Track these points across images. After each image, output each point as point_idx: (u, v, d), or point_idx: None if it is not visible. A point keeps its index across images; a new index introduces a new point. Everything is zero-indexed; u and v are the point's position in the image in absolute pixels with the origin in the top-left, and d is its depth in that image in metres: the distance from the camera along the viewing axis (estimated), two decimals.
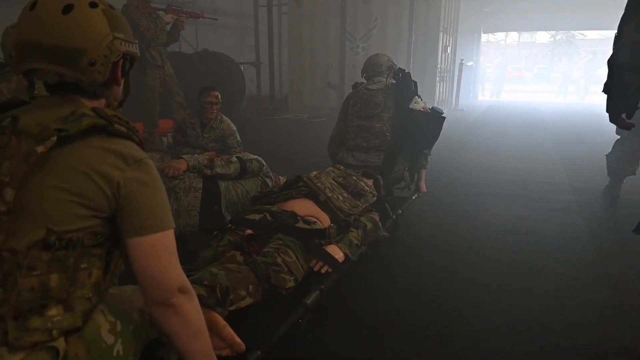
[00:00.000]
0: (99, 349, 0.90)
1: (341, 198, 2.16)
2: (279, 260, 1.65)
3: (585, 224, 2.95)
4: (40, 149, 0.82)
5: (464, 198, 3.55)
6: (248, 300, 1.49)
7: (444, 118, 2.80)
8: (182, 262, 1.64)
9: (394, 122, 2.79)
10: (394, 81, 2.88)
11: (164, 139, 4.78)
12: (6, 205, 0.82)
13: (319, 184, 2.16)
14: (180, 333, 0.97)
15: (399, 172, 2.84)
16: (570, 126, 7.94)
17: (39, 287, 0.83)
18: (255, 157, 2.85)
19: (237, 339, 1.26)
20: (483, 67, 16.71)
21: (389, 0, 8.01)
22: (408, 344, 1.67)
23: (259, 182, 2.83)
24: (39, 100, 0.95)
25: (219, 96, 3.03)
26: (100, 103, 0.98)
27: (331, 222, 2.05)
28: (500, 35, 25.80)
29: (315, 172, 2.28)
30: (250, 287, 1.51)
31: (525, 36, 28.08)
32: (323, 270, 1.78)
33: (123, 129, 0.92)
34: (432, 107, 2.83)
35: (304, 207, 2.03)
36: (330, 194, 2.13)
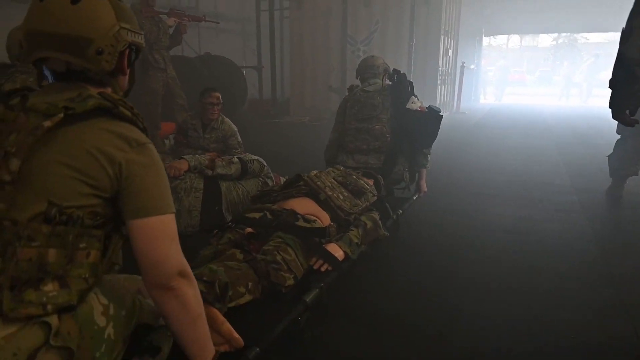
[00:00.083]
0: (91, 331, 0.90)
1: (341, 197, 2.16)
2: (278, 258, 1.66)
3: (588, 224, 2.94)
4: (47, 123, 0.85)
5: (464, 198, 3.54)
6: (247, 297, 1.49)
7: (442, 116, 2.80)
8: None
9: (393, 123, 2.79)
10: (389, 82, 2.88)
11: (166, 141, 4.80)
12: (11, 175, 0.84)
13: (319, 183, 2.17)
14: (180, 317, 0.98)
15: (399, 173, 2.84)
16: (573, 128, 7.92)
17: (37, 259, 0.84)
18: (256, 157, 2.86)
19: (236, 335, 1.26)
20: (485, 70, 16.73)
21: (390, 3, 8.04)
22: (408, 343, 1.66)
23: (260, 183, 2.84)
24: (47, 86, 0.98)
25: (220, 97, 3.05)
26: (107, 91, 1.00)
27: (331, 221, 2.05)
28: (502, 39, 25.82)
29: (315, 171, 2.29)
30: (250, 284, 1.51)
31: (528, 40, 28.08)
32: (323, 269, 1.79)
33: (128, 113, 0.95)
34: (429, 106, 2.83)
35: (304, 205, 2.03)
36: (330, 193, 2.14)
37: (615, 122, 3.49)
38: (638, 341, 1.69)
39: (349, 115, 2.91)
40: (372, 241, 2.13)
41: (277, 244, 1.73)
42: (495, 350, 1.62)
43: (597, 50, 18.90)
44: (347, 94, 3.05)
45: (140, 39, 1.02)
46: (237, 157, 2.77)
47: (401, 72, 2.86)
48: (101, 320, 0.92)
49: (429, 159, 2.93)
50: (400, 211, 2.66)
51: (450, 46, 9.19)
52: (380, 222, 2.20)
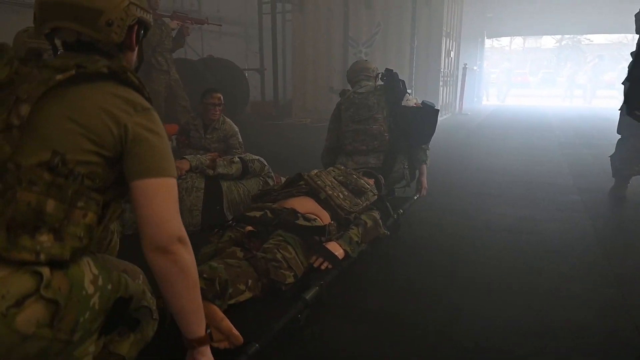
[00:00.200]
0: (79, 295, 0.90)
1: (342, 196, 2.17)
2: (278, 256, 1.67)
3: (590, 224, 2.93)
4: (59, 76, 0.89)
5: (465, 198, 3.54)
6: (247, 295, 1.50)
7: (438, 110, 2.81)
8: None
9: (389, 121, 2.80)
10: (382, 82, 2.89)
11: (169, 142, 4.83)
12: (19, 120, 0.86)
13: (319, 182, 2.17)
14: (178, 284, 0.98)
15: (399, 171, 2.84)
16: (576, 129, 7.89)
17: (36, 205, 0.85)
18: (257, 157, 2.88)
19: (235, 332, 1.27)
20: (487, 72, 16.72)
21: (391, 5, 8.06)
22: (408, 342, 1.65)
23: (261, 182, 2.86)
24: (60, 54, 1.04)
25: (221, 98, 3.08)
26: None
27: (331, 220, 2.06)
28: (505, 41, 25.81)
29: (316, 171, 2.30)
30: (250, 281, 1.52)
31: (530, 41, 28.06)
32: (323, 267, 1.79)
33: (135, 80, 1.00)
34: (423, 101, 2.84)
35: (304, 204, 2.04)
36: (330, 192, 2.14)
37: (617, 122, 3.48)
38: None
39: (345, 118, 2.90)
40: (373, 240, 2.14)
41: (277, 242, 1.74)
42: (495, 350, 1.61)
43: (601, 51, 18.87)
44: (339, 98, 3.04)
45: (148, 17, 1.08)
46: (238, 157, 2.79)
47: (393, 71, 2.87)
48: (90, 288, 0.92)
49: (428, 154, 2.93)
50: (401, 210, 2.66)
51: (452, 48, 9.20)
52: (380, 221, 2.20)
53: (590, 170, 4.49)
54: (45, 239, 0.86)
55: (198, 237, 2.33)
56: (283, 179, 3.06)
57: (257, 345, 1.29)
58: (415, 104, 2.78)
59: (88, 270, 0.93)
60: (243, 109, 7.58)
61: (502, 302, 1.93)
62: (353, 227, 2.03)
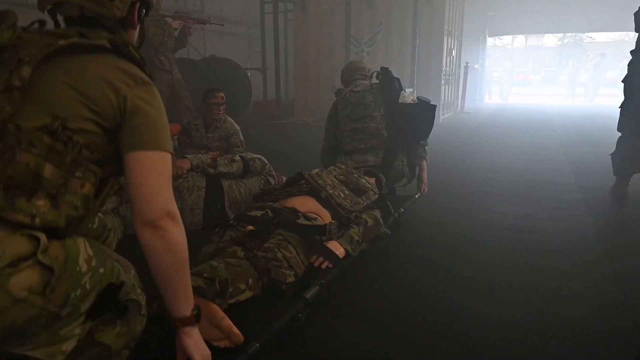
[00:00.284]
0: (73, 270, 0.90)
1: (342, 195, 2.17)
2: (279, 255, 1.67)
3: (591, 223, 2.92)
4: (61, 42, 0.90)
5: (466, 197, 3.53)
6: (247, 294, 1.50)
7: (435, 106, 2.81)
8: None
9: (387, 119, 2.79)
10: (377, 81, 2.89)
11: (172, 141, 4.85)
12: (21, 81, 0.87)
13: (320, 181, 2.18)
14: (165, 260, 0.98)
15: (399, 168, 2.84)
16: (578, 128, 7.87)
17: (34, 166, 0.86)
18: (258, 156, 2.89)
19: (236, 330, 1.27)
20: (489, 70, 16.69)
21: (393, 5, 8.06)
22: (408, 341, 1.65)
23: (262, 181, 2.86)
24: (63, 27, 1.04)
25: (224, 97, 3.09)
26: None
27: (332, 219, 2.06)
28: (507, 39, 25.73)
29: (317, 170, 2.30)
30: (250, 280, 1.52)
31: (532, 40, 27.95)
32: (323, 266, 1.80)
33: (136, 55, 1.00)
34: (418, 97, 2.84)
35: (305, 203, 2.04)
36: (331, 191, 2.15)
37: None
38: None
39: (342, 117, 2.90)
40: (373, 239, 2.14)
41: (278, 242, 1.75)
42: (496, 349, 1.61)
43: (603, 49, 18.80)
44: (335, 98, 3.04)
45: None
46: (239, 156, 2.80)
47: (388, 69, 2.87)
48: (84, 266, 0.92)
49: (427, 150, 2.93)
50: (402, 209, 2.66)
51: (453, 46, 9.19)
52: (381, 219, 2.21)
53: (592, 168, 4.48)
54: (41, 203, 0.86)
55: (199, 236, 2.35)
56: (284, 178, 3.07)
57: (257, 344, 1.29)
58: (412, 100, 2.78)
59: (83, 248, 0.93)
60: (246, 109, 7.58)
61: (503, 301, 1.93)
62: (354, 226, 2.03)
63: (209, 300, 1.32)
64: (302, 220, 1.89)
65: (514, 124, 8.49)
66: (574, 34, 23.45)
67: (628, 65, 3.31)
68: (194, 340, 1.09)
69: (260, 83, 8.85)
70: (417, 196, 2.97)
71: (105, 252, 1.03)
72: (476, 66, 12.42)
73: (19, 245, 0.83)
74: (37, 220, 0.85)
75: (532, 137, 6.76)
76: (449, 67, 9.12)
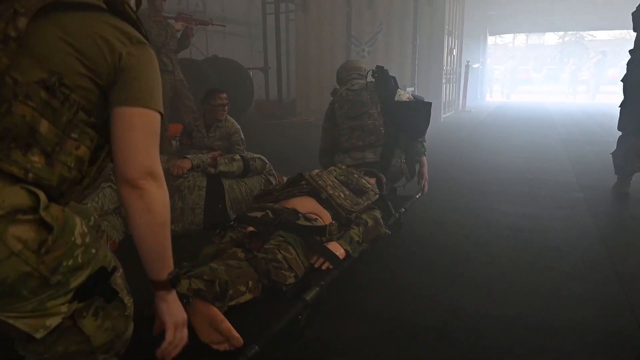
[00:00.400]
0: (69, 239, 0.89)
1: (342, 196, 2.17)
2: (279, 256, 1.67)
3: (592, 221, 2.91)
4: None
5: (467, 196, 3.53)
6: (247, 296, 1.50)
7: (430, 103, 2.81)
8: (187, 260, 1.66)
9: (384, 116, 2.80)
10: (372, 79, 2.89)
11: (174, 142, 4.86)
12: (17, 32, 0.86)
13: (320, 182, 2.18)
14: (143, 221, 0.96)
15: (397, 166, 2.84)
16: (580, 126, 7.86)
17: (30, 119, 0.85)
18: (258, 156, 2.89)
19: (235, 333, 1.27)
20: (491, 69, 16.67)
21: (393, 4, 8.07)
22: (409, 341, 1.66)
23: (263, 181, 2.87)
24: None
25: (226, 97, 3.11)
26: None
27: (332, 220, 2.06)
28: (508, 37, 25.66)
29: (317, 170, 2.30)
30: (250, 282, 1.52)
31: (534, 38, 27.86)
32: (324, 267, 1.80)
33: (133, 15, 0.99)
34: (413, 95, 2.84)
35: (305, 204, 2.04)
36: (331, 192, 2.15)
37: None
38: None
39: (339, 116, 2.90)
40: (374, 239, 2.13)
41: (278, 243, 1.74)
42: (497, 348, 1.61)
43: (604, 47, 18.75)
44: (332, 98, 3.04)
45: None
46: (240, 155, 2.81)
47: (383, 68, 2.87)
48: (78, 239, 0.91)
49: (425, 146, 2.93)
50: (403, 209, 2.66)
51: (454, 45, 9.19)
52: (381, 220, 2.20)
53: (593, 167, 4.47)
54: (36, 159, 0.86)
55: (200, 236, 2.36)
56: (285, 179, 3.08)
57: (257, 346, 1.28)
58: (408, 98, 2.78)
59: (80, 223, 0.93)
60: (248, 108, 7.60)
61: (503, 301, 1.93)
62: (354, 226, 2.02)
63: (209, 302, 1.32)
64: (302, 221, 1.89)
65: (514, 122, 8.48)
66: (574, 32, 23.38)
67: (627, 64, 3.31)
68: (168, 305, 1.07)
69: (262, 83, 8.86)
70: (417, 196, 2.96)
71: (99, 240, 1.02)
72: (476, 65, 12.40)
73: (19, 197, 0.83)
74: (30, 176, 0.85)
75: (533, 135, 6.75)
76: (450, 66, 9.12)
